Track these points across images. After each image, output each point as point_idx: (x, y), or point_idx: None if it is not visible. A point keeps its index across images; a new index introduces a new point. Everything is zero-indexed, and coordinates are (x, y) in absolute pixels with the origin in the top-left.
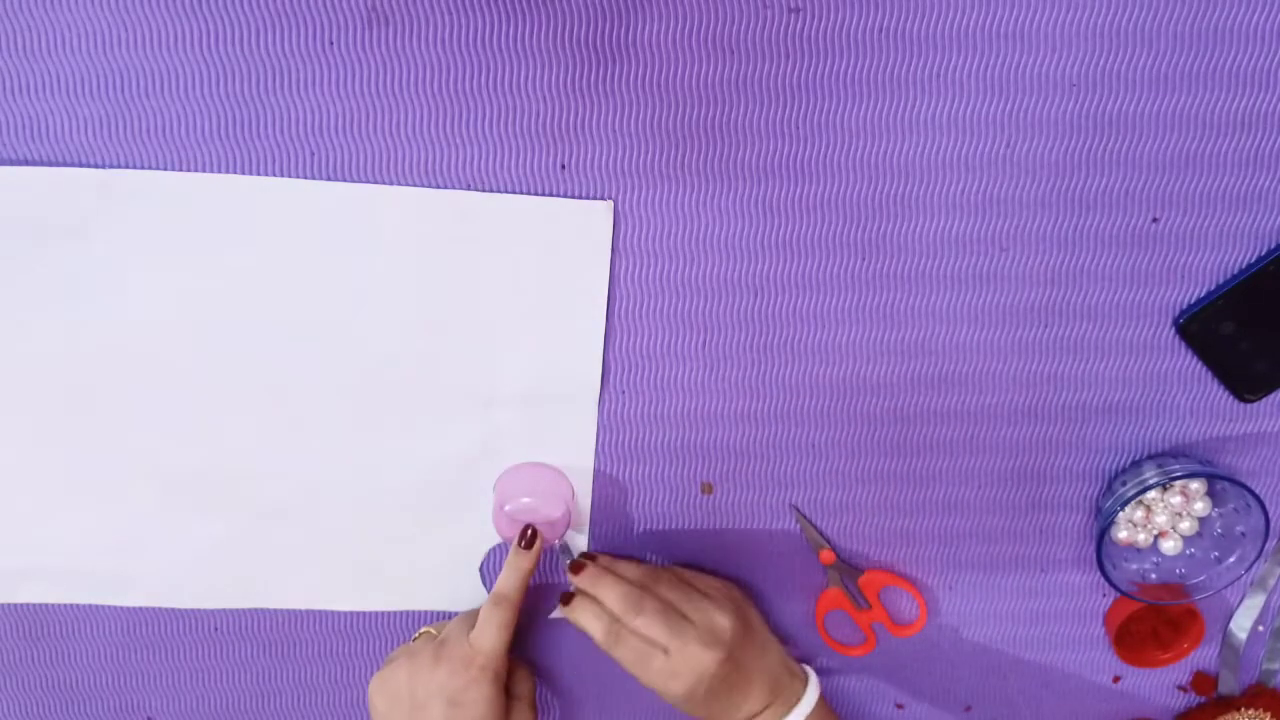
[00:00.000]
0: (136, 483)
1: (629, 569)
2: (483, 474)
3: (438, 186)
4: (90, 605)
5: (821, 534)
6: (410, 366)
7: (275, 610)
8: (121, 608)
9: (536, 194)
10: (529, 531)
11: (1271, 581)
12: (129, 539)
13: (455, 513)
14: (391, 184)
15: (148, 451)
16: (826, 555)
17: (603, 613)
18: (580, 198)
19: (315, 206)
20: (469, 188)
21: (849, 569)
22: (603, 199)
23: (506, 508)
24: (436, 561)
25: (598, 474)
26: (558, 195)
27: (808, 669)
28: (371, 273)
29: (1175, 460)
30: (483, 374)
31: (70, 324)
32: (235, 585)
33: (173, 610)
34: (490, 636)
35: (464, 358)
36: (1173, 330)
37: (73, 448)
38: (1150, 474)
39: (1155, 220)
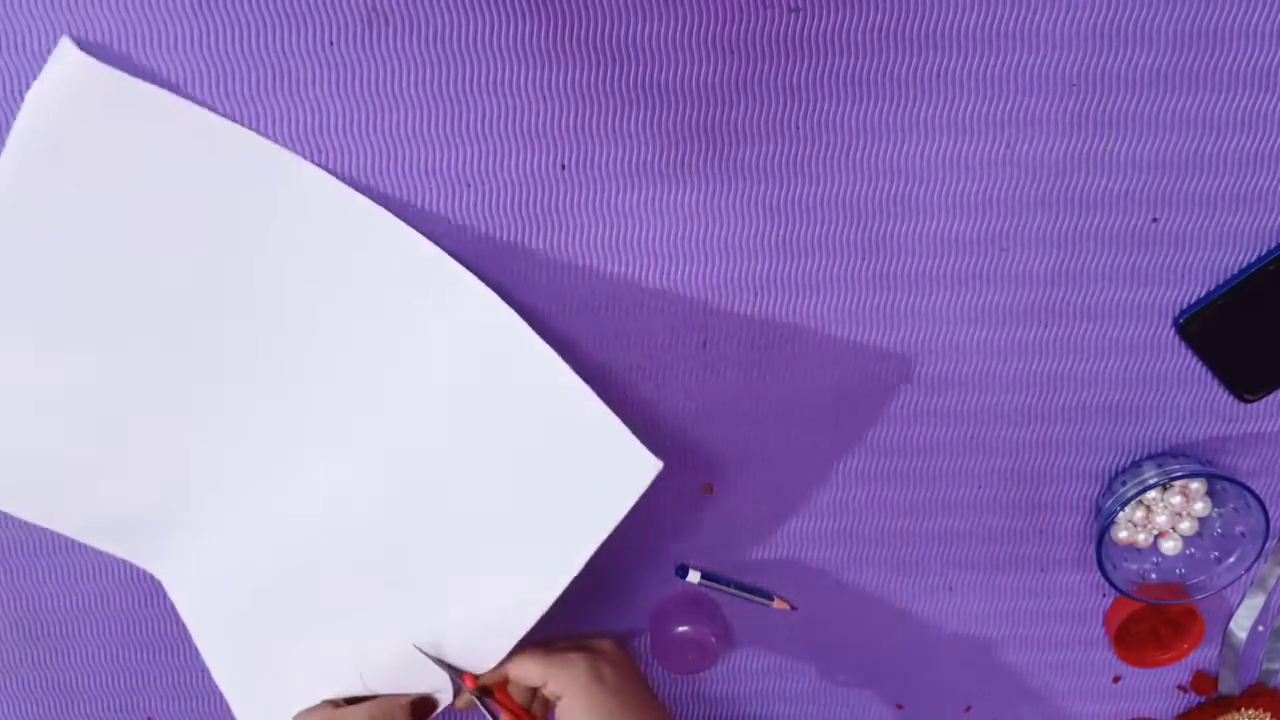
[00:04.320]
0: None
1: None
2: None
3: (438, 186)
4: (89, 605)
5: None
6: (421, 464)
7: None
8: (121, 608)
9: (538, 201)
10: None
11: (1271, 581)
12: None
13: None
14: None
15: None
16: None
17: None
18: (581, 207)
19: (409, 255)
20: (469, 187)
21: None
22: (657, 457)
23: (665, 635)
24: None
25: None
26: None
27: None
28: (419, 347)
29: (1175, 460)
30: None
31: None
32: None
33: (172, 610)
34: None
35: (457, 483)
36: (1173, 330)
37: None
38: (1150, 474)
39: (1155, 220)
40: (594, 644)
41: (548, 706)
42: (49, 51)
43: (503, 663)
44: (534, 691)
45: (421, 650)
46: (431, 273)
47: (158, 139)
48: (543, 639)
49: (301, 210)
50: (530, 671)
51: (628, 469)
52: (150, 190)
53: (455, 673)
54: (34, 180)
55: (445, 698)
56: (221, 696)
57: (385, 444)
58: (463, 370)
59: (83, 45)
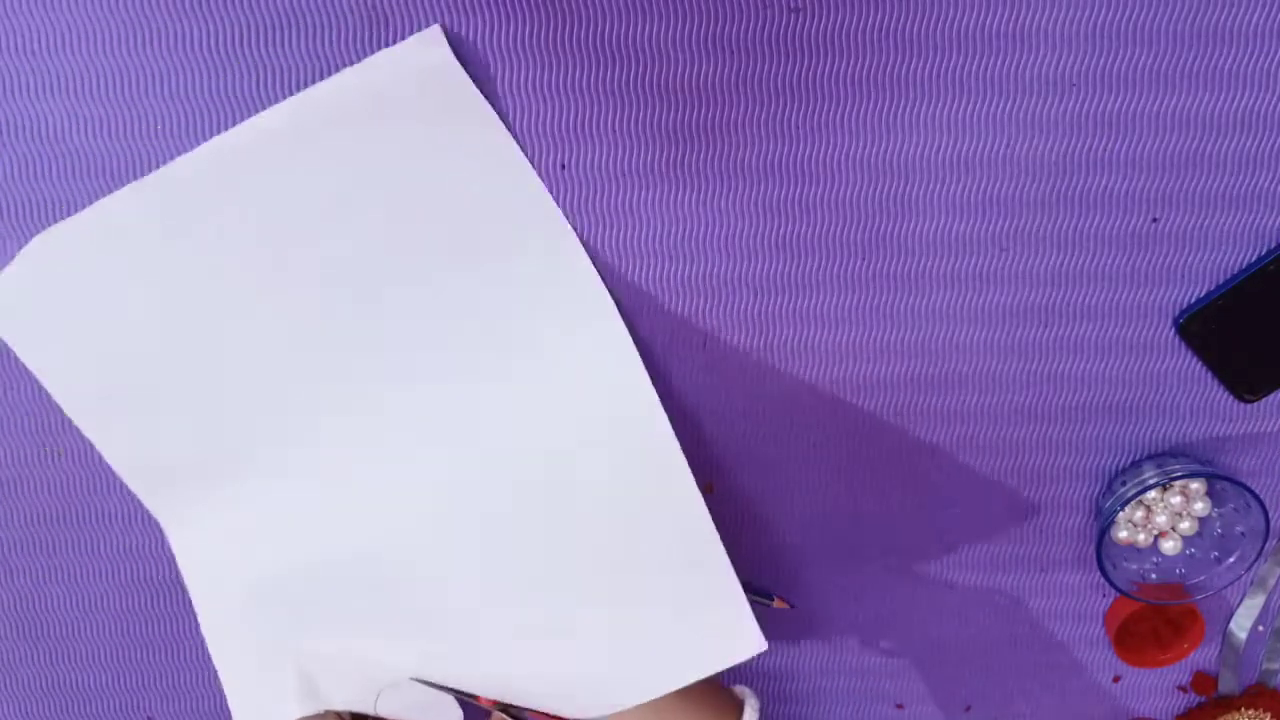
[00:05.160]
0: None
1: None
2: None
3: None
4: (89, 605)
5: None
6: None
7: None
8: (121, 608)
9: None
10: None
11: (1271, 581)
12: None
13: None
14: None
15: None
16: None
17: None
18: (581, 207)
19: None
20: None
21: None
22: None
23: None
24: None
25: None
26: (559, 203)
27: (745, 693)
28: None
29: (1175, 460)
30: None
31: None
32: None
33: (172, 610)
34: None
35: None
36: (1173, 330)
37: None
38: (1150, 474)
39: (1155, 220)
40: None
41: None
42: (46, 51)
43: None
44: None
45: (423, 682)
46: (610, 357)
47: (457, 153)
48: None
49: (538, 270)
50: None
51: (731, 637)
52: (412, 185)
53: (468, 696)
54: (325, 130)
55: None
56: (222, 697)
57: (486, 490)
58: (595, 462)
59: (83, 45)
